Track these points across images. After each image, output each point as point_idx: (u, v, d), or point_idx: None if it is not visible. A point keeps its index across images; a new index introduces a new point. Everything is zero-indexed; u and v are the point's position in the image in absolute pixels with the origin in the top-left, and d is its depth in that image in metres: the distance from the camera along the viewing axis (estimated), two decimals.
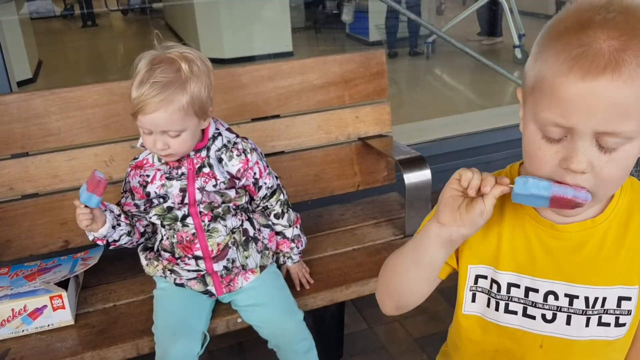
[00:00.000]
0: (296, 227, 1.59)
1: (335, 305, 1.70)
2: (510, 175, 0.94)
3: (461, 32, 5.43)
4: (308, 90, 1.91)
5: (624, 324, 0.88)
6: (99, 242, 1.42)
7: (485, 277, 0.94)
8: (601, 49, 0.70)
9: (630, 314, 0.88)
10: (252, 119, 1.89)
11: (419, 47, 5.48)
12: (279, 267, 1.60)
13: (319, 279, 1.64)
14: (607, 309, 0.88)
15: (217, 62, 5.56)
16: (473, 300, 0.96)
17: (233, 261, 1.47)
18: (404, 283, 0.96)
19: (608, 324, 0.88)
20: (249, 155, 1.45)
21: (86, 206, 1.33)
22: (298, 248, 1.60)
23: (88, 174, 1.74)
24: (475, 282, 0.95)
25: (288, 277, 1.60)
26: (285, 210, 1.56)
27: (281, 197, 1.55)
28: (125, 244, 1.46)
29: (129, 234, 1.44)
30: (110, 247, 1.45)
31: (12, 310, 1.45)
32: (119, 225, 1.41)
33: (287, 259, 1.59)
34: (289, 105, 1.90)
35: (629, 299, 0.87)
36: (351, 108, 1.97)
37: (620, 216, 0.87)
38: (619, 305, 0.87)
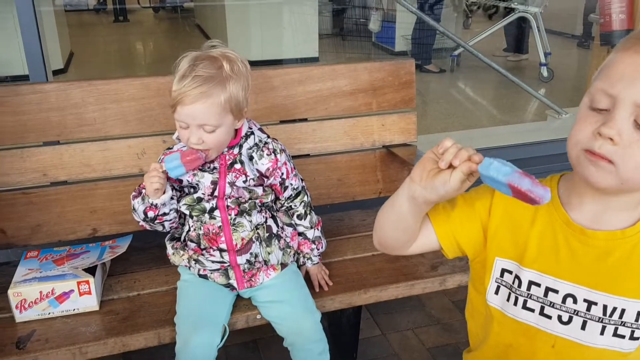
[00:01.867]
0: (317, 229, 1.62)
1: (352, 309, 1.73)
2: (550, 184, 0.97)
3: (486, 47, 5.44)
4: (337, 96, 1.95)
5: (638, 338, 0.90)
6: (150, 213, 1.43)
7: (510, 272, 0.97)
8: None
9: None
10: (281, 121, 1.93)
11: (431, 64, 5.45)
12: (299, 267, 1.64)
13: (338, 282, 1.67)
14: (625, 322, 0.90)
15: None
16: (496, 293, 0.99)
17: (256, 256, 1.51)
18: (383, 221, 1.00)
19: (623, 336, 0.90)
20: (278, 156, 1.49)
21: (165, 171, 1.37)
22: (318, 250, 1.63)
23: (120, 165, 1.82)
24: (501, 275, 0.98)
25: (307, 278, 1.64)
26: (308, 212, 1.59)
27: (305, 198, 1.58)
28: (169, 220, 1.48)
29: (176, 211, 1.48)
30: (155, 222, 1.46)
31: (40, 292, 1.50)
32: (172, 198, 1.45)
33: (307, 259, 1.63)
34: (317, 110, 1.94)
35: None
36: (378, 116, 2.00)
37: None
38: (636, 319, 0.89)
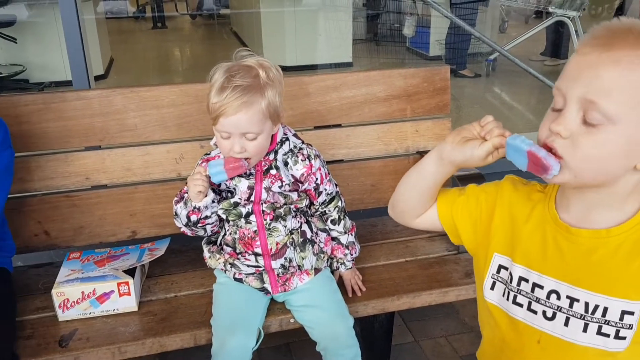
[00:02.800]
0: (351, 235, 1.63)
1: (384, 315, 1.73)
2: (553, 185, 1.00)
3: (523, 51, 5.36)
4: (371, 102, 1.96)
5: (624, 338, 0.90)
6: (193, 216, 1.46)
7: (506, 269, 1.01)
8: (608, 39, 0.83)
9: (632, 329, 0.89)
10: (315, 127, 1.95)
11: (466, 69, 5.42)
12: (332, 272, 1.65)
13: (371, 287, 1.68)
14: (609, 320, 0.90)
15: None
16: (492, 288, 1.03)
17: (290, 260, 1.53)
18: (404, 181, 1.10)
19: (607, 335, 0.91)
20: (312, 161, 1.51)
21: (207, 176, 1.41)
22: (352, 255, 1.64)
23: (159, 169, 1.87)
24: (498, 271, 1.02)
25: (340, 283, 1.65)
26: (342, 217, 1.61)
27: (339, 204, 1.60)
28: (211, 224, 1.51)
29: (217, 215, 1.51)
30: (198, 226, 1.49)
31: (82, 292, 1.55)
32: (213, 201, 1.48)
33: (341, 264, 1.64)
34: (351, 116, 1.95)
35: (631, 313, 0.89)
36: (412, 121, 2.01)
37: None
38: (621, 318, 0.89)
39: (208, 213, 1.47)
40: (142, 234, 1.88)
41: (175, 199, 1.49)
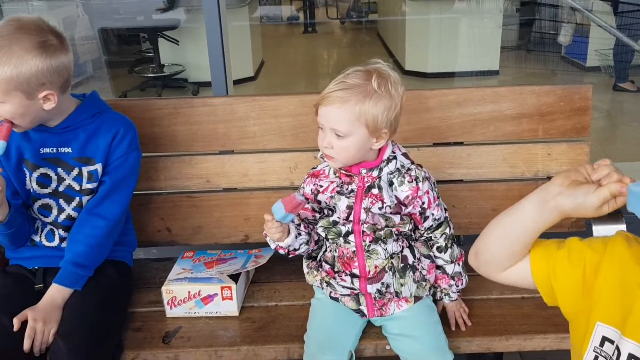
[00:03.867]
0: (458, 265, 1.52)
1: (492, 355, 1.59)
2: None
3: None
4: (497, 120, 1.81)
5: None
6: (281, 251, 1.49)
7: (611, 342, 0.85)
8: None
9: None
10: (434, 144, 1.85)
11: (627, 82, 4.86)
12: (435, 302, 1.55)
13: (478, 323, 1.55)
14: None
15: (419, 75, 5.59)
16: None
17: (387, 286, 1.46)
18: (494, 227, 0.98)
19: None
20: (420, 184, 1.43)
21: (277, 221, 1.41)
22: (457, 286, 1.53)
23: (274, 177, 1.89)
24: (601, 344, 0.87)
25: (443, 315, 1.54)
26: (449, 245, 1.50)
27: (447, 230, 1.49)
28: (303, 252, 1.53)
29: (307, 242, 1.51)
30: (290, 256, 1.52)
31: (189, 292, 1.61)
32: (299, 234, 1.48)
33: (445, 295, 1.53)
34: (474, 134, 1.82)
35: None
36: (544, 144, 1.82)
37: None
38: None
39: (296, 246, 1.47)
40: (254, 238, 1.92)
41: (264, 232, 1.48)
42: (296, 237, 1.46)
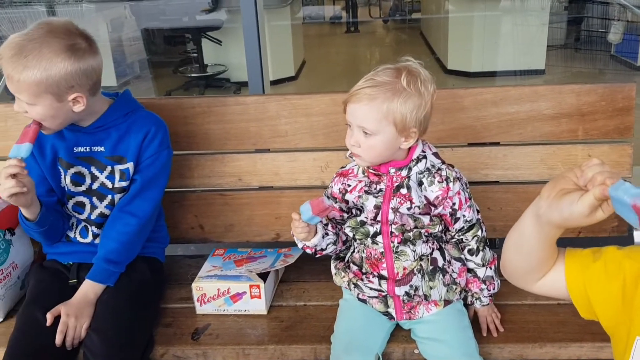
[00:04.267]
0: (490, 268, 1.47)
1: None
2: None
3: None
4: (535, 120, 1.75)
5: None
6: (308, 250, 1.48)
7: None
8: None
9: None
10: (469, 144, 1.80)
11: None
12: (466, 306, 1.51)
13: (510, 329, 1.50)
14: None
15: (462, 74, 5.49)
16: None
17: (416, 289, 1.43)
18: (508, 241, 0.96)
19: None
20: (450, 184, 1.39)
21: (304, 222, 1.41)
22: (489, 290, 1.48)
23: (305, 176, 1.88)
24: None
25: (474, 320, 1.50)
26: (481, 248, 1.46)
27: (479, 233, 1.45)
28: (330, 252, 1.52)
29: (334, 242, 1.49)
30: (317, 256, 1.51)
31: (218, 289, 1.62)
32: (326, 234, 1.47)
33: (476, 299, 1.49)
34: (511, 134, 1.77)
35: None
36: (584, 144, 1.75)
37: None
38: None
39: (323, 246, 1.46)
40: (285, 237, 1.92)
41: (292, 232, 1.48)
42: (323, 237, 1.44)
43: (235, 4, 5.53)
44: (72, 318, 1.47)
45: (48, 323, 1.45)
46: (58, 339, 1.44)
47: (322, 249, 1.48)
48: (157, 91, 6.04)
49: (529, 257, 0.90)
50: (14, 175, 1.38)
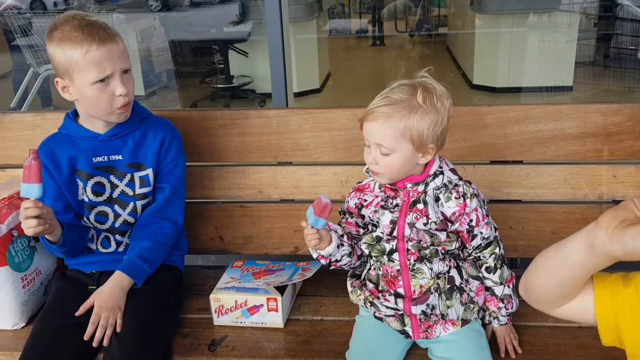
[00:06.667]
0: (508, 287, 1.45)
1: None
2: None
3: None
4: (559, 139, 1.73)
5: None
6: (322, 261, 1.47)
7: None
8: None
9: None
10: (491, 161, 1.79)
11: None
12: (484, 325, 1.49)
13: (529, 351, 1.47)
14: None
15: (488, 90, 5.45)
16: None
17: (433, 308, 1.41)
18: (542, 264, 0.89)
19: None
20: (467, 200, 1.38)
21: (312, 227, 1.41)
22: (507, 310, 1.46)
23: (325, 190, 1.88)
24: None
25: (492, 340, 1.48)
26: (499, 266, 1.44)
27: (497, 250, 1.43)
28: (345, 264, 1.50)
29: (349, 254, 1.48)
30: (331, 267, 1.50)
31: (235, 301, 1.63)
32: (342, 245, 1.46)
33: (494, 319, 1.47)
34: (534, 152, 1.75)
35: None
36: (609, 165, 1.72)
37: None
38: None
39: (337, 257, 1.45)
40: (304, 250, 1.92)
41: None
42: (338, 247, 1.44)
43: (261, 16, 5.60)
44: (104, 310, 1.47)
45: (78, 314, 1.48)
46: (89, 329, 1.45)
47: (337, 260, 1.46)
48: (183, 101, 6.12)
49: (567, 284, 0.86)
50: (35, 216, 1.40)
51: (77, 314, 1.49)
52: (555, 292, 0.88)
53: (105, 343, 1.45)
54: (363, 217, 1.46)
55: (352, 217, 1.49)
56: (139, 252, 1.58)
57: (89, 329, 1.45)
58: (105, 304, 1.48)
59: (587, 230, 0.79)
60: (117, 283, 1.54)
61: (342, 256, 1.46)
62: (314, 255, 1.48)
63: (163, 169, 1.65)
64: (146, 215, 1.64)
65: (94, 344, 1.45)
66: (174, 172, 1.66)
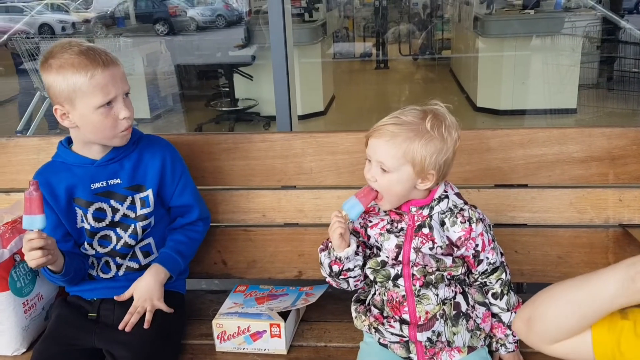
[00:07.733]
0: (515, 313, 1.43)
1: None
2: None
3: None
4: (564, 163, 1.72)
5: None
6: (335, 267, 1.43)
7: None
8: None
9: None
10: (496, 185, 1.78)
11: None
12: (491, 353, 1.46)
13: None
14: None
15: (491, 112, 5.46)
16: None
17: (439, 335, 1.39)
18: (558, 298, 0.84)
19: None
20: (473, 225, 1.37)
21: (346, 215, 1.39)
22: (514, 336, 1.43)
23: (329, 214, 1.83)
24: None
25: None
26: (505, 292, 1.42)
27: (503, 276, 1.42)
28: (353, 277, 1.45)
29: (361, 268, 1.45)
30: (340, 277, 1.45)
31: (238, 327, 1.61)
32: (357, 254, 1.43)
33: (501, 346, 1.44)
34: (539, 176, 1.74)
35: None
36: (615, 189, 1.71)
37: None
38: None
39: (351, 265, 1.42)
40: (307, 275, 1.90)
41: (321, 246, 1.47)
42: (356, 253, 1.41)
43: (265, 40, 5.66)
44: (144, 300, 1.55)
45: (118, 298, 1.58)
46: (126, 318, 1.53)
47: (349, 269, 1.42)
48: (188, 124, 6.15)
49: (587, 318, 0.83)
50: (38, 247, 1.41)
51: (117, 298, 1.58)
52: (570, 326, 0.85)
53: (145, 326, 1.53)
54: (369, 237, 1.45)
55: (358, 237, 1.47)
56: (174, 246, 1.65)
57: (126, 317, 1.53)
58: (144, 294, 1.56)
59: (625, 265, 0.77)
60: (154, 275, 1.59)
61: (355, 266, 1.42)
62: (326, 262, 1.43)
63: (177, 185, 1.69)
64: (177, 227, 1.72)
65: (127, 329, 1.52)
66: (188, 185, 1.72)
